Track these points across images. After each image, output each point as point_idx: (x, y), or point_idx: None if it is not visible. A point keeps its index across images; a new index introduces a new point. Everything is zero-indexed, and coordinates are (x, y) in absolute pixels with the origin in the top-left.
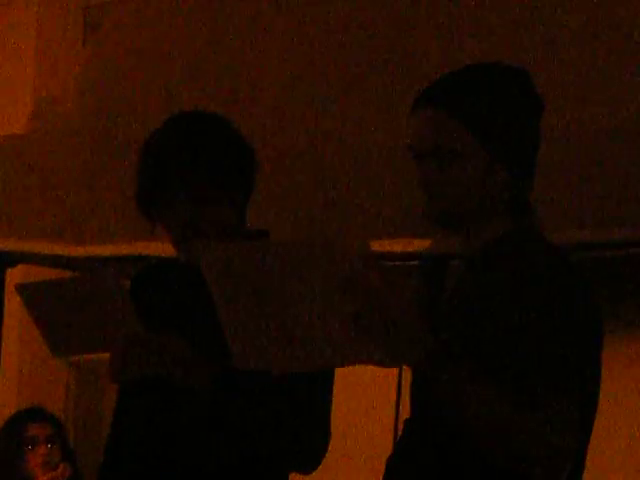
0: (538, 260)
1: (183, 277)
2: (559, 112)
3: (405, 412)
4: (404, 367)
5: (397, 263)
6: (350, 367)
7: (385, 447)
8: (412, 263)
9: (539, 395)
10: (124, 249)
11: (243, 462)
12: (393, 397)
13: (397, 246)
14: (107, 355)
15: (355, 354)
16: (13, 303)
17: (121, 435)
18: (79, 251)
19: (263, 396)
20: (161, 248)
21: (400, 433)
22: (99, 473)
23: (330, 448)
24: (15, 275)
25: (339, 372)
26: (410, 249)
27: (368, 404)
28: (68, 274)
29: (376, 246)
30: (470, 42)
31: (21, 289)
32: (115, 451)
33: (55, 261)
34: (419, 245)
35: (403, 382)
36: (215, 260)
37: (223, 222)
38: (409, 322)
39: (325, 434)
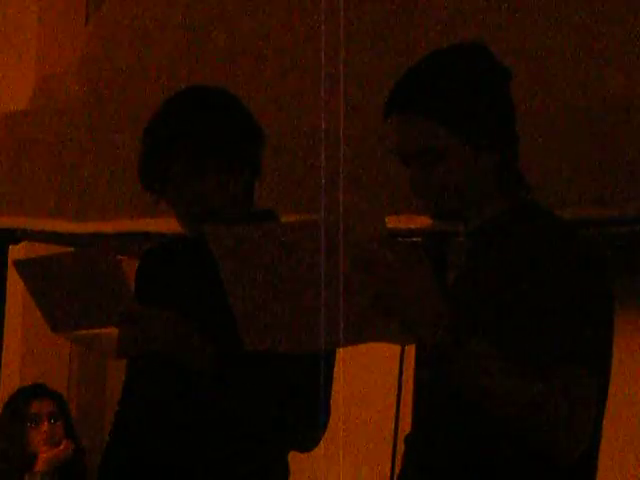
0: (550, 233)
1: (190, 255)
2: (560, 87)
3: (407, 392)
4: (406, 347)
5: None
6: (351, 347)
7: (387, 426)
8: (414, 240)
9: (557, 365)
10: (126, 226)
11: (243, 441)
12: (395, 376)
13: (399, 223)
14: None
15: (372, 332)
16: (16, 280)
17: (127, 411)
18: (81, 228)
19: (264, 376)
20: (163, 224)
21: (401, 413)
22: (105, 451)
23: (331, 426)
24: (18, 252)
25: (341, 352)
26: (412, 226)
27: (370, 383)
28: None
29: None
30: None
31: (19, 265)
32: (121, 428)
33: (58, 238)
34: (420, 222)
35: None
36: (224, 242)
37: (225, 199)
38: (427, 299)
39: (325, 413)
